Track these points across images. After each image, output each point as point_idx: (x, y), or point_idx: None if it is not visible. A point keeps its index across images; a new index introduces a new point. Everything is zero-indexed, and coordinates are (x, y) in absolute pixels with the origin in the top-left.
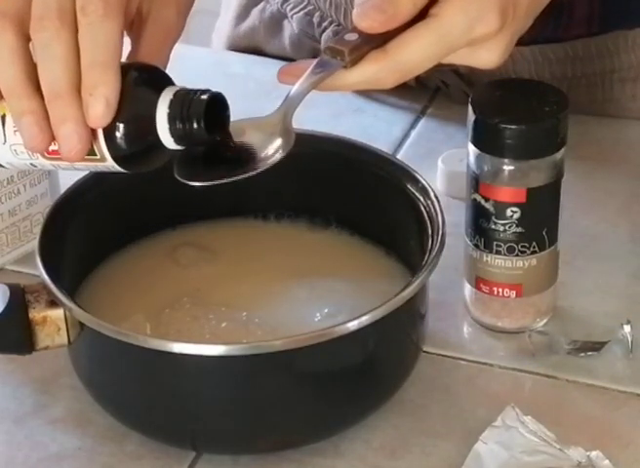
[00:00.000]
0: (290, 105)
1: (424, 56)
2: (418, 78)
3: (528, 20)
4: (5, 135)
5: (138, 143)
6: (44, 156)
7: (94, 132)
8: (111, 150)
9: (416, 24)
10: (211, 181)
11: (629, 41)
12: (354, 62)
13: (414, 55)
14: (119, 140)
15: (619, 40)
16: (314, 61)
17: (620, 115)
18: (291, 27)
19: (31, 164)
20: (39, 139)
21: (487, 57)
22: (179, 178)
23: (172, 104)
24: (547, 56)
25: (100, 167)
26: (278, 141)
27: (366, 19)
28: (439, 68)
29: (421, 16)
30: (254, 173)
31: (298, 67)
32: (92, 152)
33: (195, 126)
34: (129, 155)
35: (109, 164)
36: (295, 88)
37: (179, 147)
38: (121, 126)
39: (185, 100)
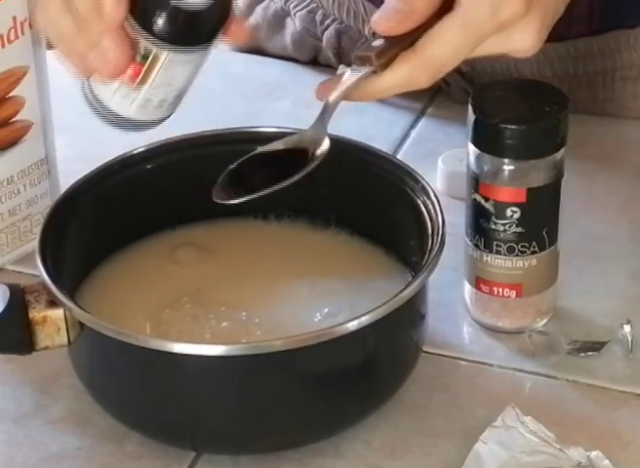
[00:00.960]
0: (327, 114)
1: (454, 48)
2: None
3: (558, 5)
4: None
5: (169, 14)
6: (129, 84)
7: (132, 40)
8: (155, 35)
9: (441, 19)
10: (250, 195)
11: (631, 40)
12: (384, 66)
13: (443, 48)
14: (154, 22)
15: (620, 39)
16: (347, 71)
17: (620, 114)
18: (293, 25)
19: (144, 100)
20: (113, 64)
21: (521, 41)
22: (219, 202)
23: None
24: (549, 54)
25: (171, 65)
26: (320, 150)
27: (382, 21)
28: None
29: (445, 11)
30: (290, 182)
31: (334, 81)
32: (147, 53)
33: None
34: (172, 30)
35: (168, 49)
36: (331, 98)
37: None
38: (146, 8)
39: None
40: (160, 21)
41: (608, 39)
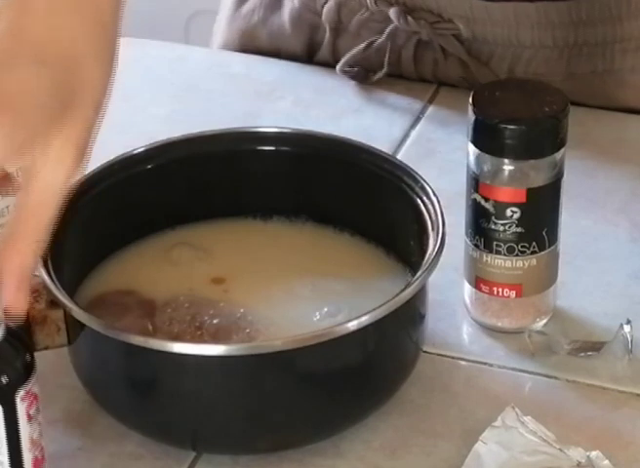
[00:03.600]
0: None
1: None
2: (415, 56)
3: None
4: None
5: None
6: None
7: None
8: None
9: None
10: None
11: (632, 6)
12: None
13: None
14: None
15: (621, 3)
16: None
17: (618, 88)
18: (291, 3)
19: None
20: None
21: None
22: None
23: None
24: (551, 18)
25: None
26: None
27: None
28: (440, 33)
29: None
30: None
31: None
32: None
33: None
34: None
35: None
36: None
37: None
38: None
39: None
40: None
41: (609, 3)
